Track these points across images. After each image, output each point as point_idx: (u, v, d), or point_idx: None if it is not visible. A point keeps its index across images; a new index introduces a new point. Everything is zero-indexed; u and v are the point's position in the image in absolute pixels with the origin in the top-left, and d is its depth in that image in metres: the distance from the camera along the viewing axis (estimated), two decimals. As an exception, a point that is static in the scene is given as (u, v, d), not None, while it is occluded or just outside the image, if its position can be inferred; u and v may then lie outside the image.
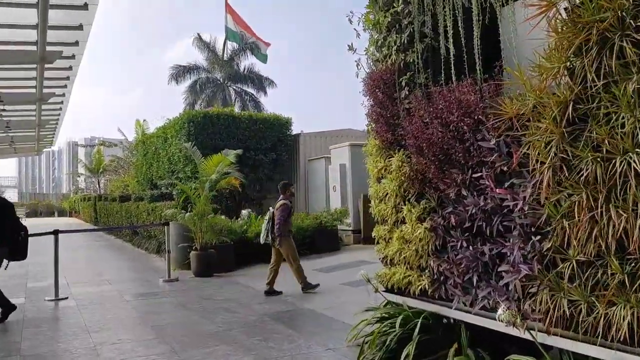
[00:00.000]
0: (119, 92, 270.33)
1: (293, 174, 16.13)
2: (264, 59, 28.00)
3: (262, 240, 7.77)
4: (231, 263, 10.24)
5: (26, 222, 33.23)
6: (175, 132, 14.99)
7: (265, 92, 35.09)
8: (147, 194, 15.03)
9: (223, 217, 10.88)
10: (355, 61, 5.01)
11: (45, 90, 10.31)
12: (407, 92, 4.43)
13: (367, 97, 4.89)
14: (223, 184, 10.26)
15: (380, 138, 4.73)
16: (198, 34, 33.83)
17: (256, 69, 34.65)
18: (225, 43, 31.49)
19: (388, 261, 4.80)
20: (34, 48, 7.64)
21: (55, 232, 7.85)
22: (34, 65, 8.59)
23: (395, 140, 4.59)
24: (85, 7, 6.82)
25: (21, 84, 10.06)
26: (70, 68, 9.42)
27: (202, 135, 13.94)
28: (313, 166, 15.25)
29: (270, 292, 7.61)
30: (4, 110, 12.47)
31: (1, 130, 15.84)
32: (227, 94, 34.14)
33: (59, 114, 14.49)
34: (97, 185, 36.06)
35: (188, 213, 9.87)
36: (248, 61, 34.32)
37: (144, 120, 25.57)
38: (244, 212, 12.29)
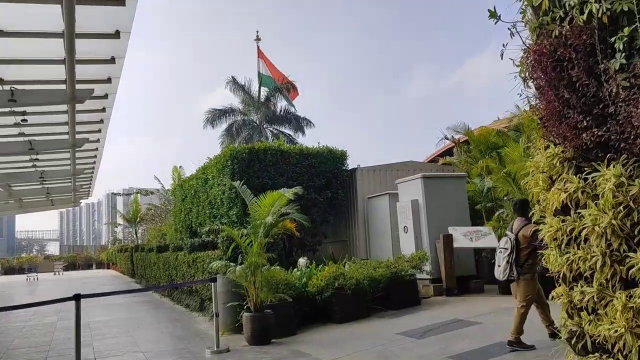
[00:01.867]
0: (159, 140, 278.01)
1: (350, 214, 14.38)
2: (291, 103, 30.61)
3: (501, 276, 6.09)
4: (291, 325, 8.45)
5: (63, 275, 32.45)
6: (217, 172, 13.56)
7: (303, 132, 33.98)
8: (187, 242, 13.53)
9: (278, 268, 9.18)
10: (509, 29, 3.32)
11: (78, 136, 9.68)
12: (623, 61, 2.69)
13: (532, 79, 3.18)
14: (279, 229, 8.60)
15: (568, 142, 2.97)
16: (232, 77, 33.24)
17: (292, 109, 33.70)
18: (260, 87, 31.24)
19: (599, 346, 2.93)
20: (62, 87, 6.87)
21: (77, 298, 6.22)
22: (65, 108, 7.84)
23: (601, 143, 2.82)
24: (117, 35, 5.79)
25: (53, 129, 9.37)
26: (103, 110, 8.74)
27: (248, 174, 12.42)
28: (374, 205, 13.49)
29: (519, 343, 5.96)
30: (37, 159, 11.49)
31: (37, 182, 15.04)
32: (264, 135, 33.16)
33: (94, 161, 13.47)
34: (135, 235, 35.19)
35: (239, 266, 8.19)
36: (284, 102, 33.45)
37: (180, 167, 24.62)
38: (302, 260, 10.56)
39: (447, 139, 13.24)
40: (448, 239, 10.23)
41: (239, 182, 9.07)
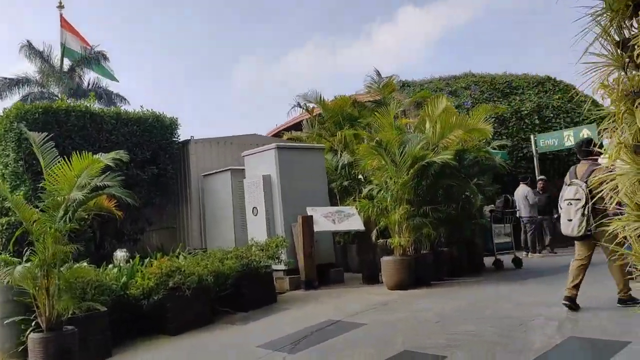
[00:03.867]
0: None
1: (182, 194, 12.10)
2: (110, 76, 26.80)
3: (575, 232, 5.28)
4: (105, 344, 6.13)
5: None
6: (-3, 138, 10.18)
7: (117, 110, 29.87)
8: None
9: (86, 265, 6.69)
10: None
11: None
12: None
13: None
14: (91, 208, 6.08)
15: None
16: (28, 41, 27.77)
17: (104, 83, 29.44)
18: (62, 57, 26.69)
19: None
20: None
21: None
22: None
23: None
24: None
25: None
26: None
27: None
28: (212, 183, 11.43)
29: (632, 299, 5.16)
30: None
31: None
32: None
33: None
34: None
35: (21, 266, 5.56)
36: (92, 75, 29.03)
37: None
38: (120, 254, 8.13)
39: (299, 106, 11.81)
40: (308, 221, 8.68)
41: (38, 134, 6.23)
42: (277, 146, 9.34)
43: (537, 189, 13.28)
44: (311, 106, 11.79)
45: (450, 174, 8.37)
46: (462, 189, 8.56)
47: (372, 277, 8.82)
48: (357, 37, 72.01)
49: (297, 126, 15.18)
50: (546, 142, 14.92)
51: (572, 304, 5.28)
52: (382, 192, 8.34)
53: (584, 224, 5.19)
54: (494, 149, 10.35)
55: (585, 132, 14.00)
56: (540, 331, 4.74)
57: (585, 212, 5.18)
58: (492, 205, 9.92)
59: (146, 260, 7.83)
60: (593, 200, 4.93)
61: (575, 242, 5.49)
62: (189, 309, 6.84)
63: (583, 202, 5.23)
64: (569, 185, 5.49)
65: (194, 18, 69.59)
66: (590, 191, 5.13)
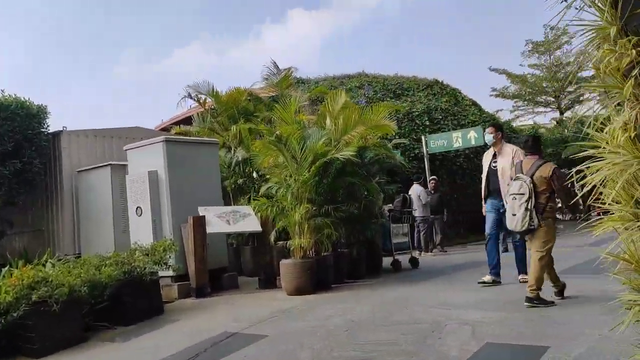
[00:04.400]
0: None
1: (51, 192, 10.69)
2: None
3: (519, 226, 5.37)
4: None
5: None
6: None
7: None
8: None
9: None
10: None
11: None
12: None
13: None
14: None
15: None
16: None
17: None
18: None
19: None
20: None
21: None
22: None
23: None
24: None
25: None
26: None
27: None
28: (88, 180, 10.22)
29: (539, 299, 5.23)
30: None
31: None
32: None
33: None
34: None
35: None
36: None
37: None
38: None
39: (190, 97, 10.89)
40: (200, 222, 7.93)
41: None
42: (166, 139, 8.46)
43: (429, 189, 13.56)
44: (203, 98, 10.97)
45: (352, 171, 8.08)
46: (364, 188, 8.31)
47: (269, 282, 8.28)
48: (246, 37, 71.08)
49: (187, 121, 14.20)
50: (436, 142, 15.36)
51: (562, 294, 5.51)
52: (282, 190, 7.82)
53: (527, 218, 5.29)
54: (394, 147, 10.27)
55: (472, 134, 14.57)
56: (455, 337, 4.50)
57: (529, 207, 5.30)
58: (391, 205, 9.82)
59: (4, 270, 6.66)
60: (565, 192, 5.40)
61: (527, 237, 5.61)
62: (57, 326, 5.85)
63: (527, 196, 5.32)
64: (514, 180, 5.57)
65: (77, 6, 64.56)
66: (535, 186, 5.33)
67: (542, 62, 27.95)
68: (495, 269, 6.80)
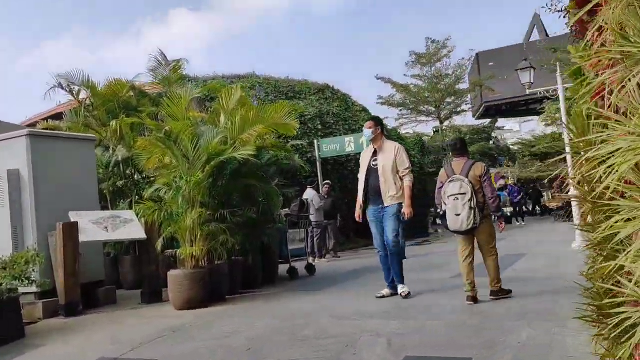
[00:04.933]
0: None
1: None
2: None
3: (464, 226, 5.39)
4: None
5: None
6: None
7: None
8: None
9: None
10: None
11: None
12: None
13: None
14: None
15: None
16: None
17: None
18: None
19: None
20: None
21: None
22: None
23: None
24: None
25: None
26: None
27: None
28: None
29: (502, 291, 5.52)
30: None
31: None
32: None
33: None
34: None
35: None
36: None
37: None
38: None
39: (62, 87, 9.54)
40: (71, 229, 6.88)
41: None
42: (30, 133, 7.28)
43: (323, 193, 13.35)
44: (77, 89, 9.73)
45: (249, 173, 7.52)
46: (262, 190, 7.77)
47: (154, 295, 7.44)
48: (125, 35, 67.20)
49: (57, 118, 12.64)
50: (329, 147, 15.25)
51: (473, 299, 5.43)
52: (171, 193, 7.04)
53: (471, 217, 5.37)
54: (294, 148, 9.82)
55: (364, 139, 14.59)
56: (371, 351, 4.13)
57: (472, 206, 5.38)
58: (287, 209, 9.37)
59: None
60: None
61: (460, 237, 5.63)
62: None
63: (469, 196, 5.40)
64: (451, 181, 5.54)
65: None
66: (473, 186, 5.42)
67: (424, 73, 29.30)
68: (393, 283, 6.36)
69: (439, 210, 5.79)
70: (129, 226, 7.47)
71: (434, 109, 29.18)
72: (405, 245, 11.05)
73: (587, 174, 2.33)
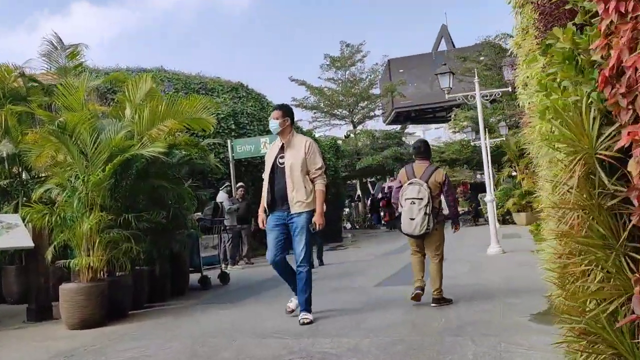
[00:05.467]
0: None
1: None
2: None
3: (417, 230, 5.42)
4: None
5: None
6: None
7: None
8: None
9: None
10: None
11: None
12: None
13: None
14: None
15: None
16: None
17: None
18: None
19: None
20: None
21: None
22: None
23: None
24: None
25: None
26: None
27: None
28: None
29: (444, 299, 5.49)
30: None
31: None
32: None
33: None
34: None
35: None
36: None
37: None
38: None
39: None
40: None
41: None
42: None
43: (236, 196, 12.71)
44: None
45: (159, 173, 6.77)
46: (173, 192, 7.02)
47: (43, 312, 6.48)
48: (19, 27, 62.03)
49: None
50: (243, 147, 14.58)
51: (421, 294, 5.49)
52: (65, 194, 6.14)
53: (425, 222, 5.36)
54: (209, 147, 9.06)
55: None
56: (303, 377, 3.65)
57: (427, 212, 5.37)
58: (199, 213, 8.65)
59: None
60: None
61: (413, 239, 5.62)
62: None
63: (425, 201, 5.38)
64: (410, 184, 5.51)
65: None
66: (430, 191, 5.41)
67: (338, 77, 29.38)
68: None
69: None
70: (13, 232, 6.43)
71: (347, 113, 29.32)
72: (323, 250, 10.74)
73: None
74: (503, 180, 22.62)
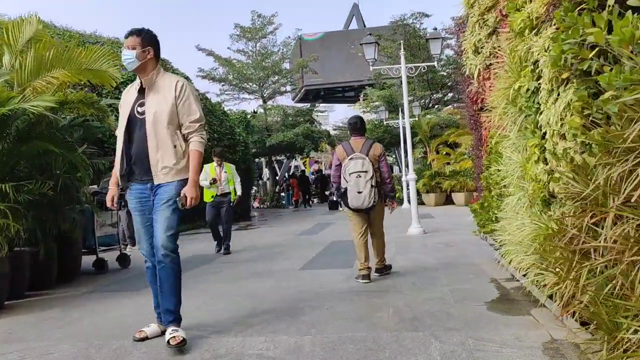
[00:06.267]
0: None
1: None
2: None
3: (365, 203, 5.45)
4: None
5: None
6: None
7: None
8: None
9: None
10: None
11: None
12: None
13: None
14: None
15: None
16: None
17: None
18: None
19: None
20: None
21: None
22: None
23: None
24: None
25: None
26: None
27: None
28: None
29: (386, 267, 5.95)
30: None
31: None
32: None
33: None
34: None
35: None
36: None
37: None
38: None
39: None
40: None
41: None
42: None
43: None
44: None
45: (46, 135, 5.58)
46: (63, 159, 5.83)
47: None
48: None
49: None
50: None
51: (369, 277, 5.54)
52: None
53: (372, 195, 5.40)
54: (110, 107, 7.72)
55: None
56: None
57: (373, 184, 5.41)
58: (96, 186, 7.44)
59: None
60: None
61: (355, 216, 5.62)
62: None
63: (370, 174, 5.41)
64: (350, 159, 5.50)
65: None
66: (372, 164, 5.45)
67: (249, 49, 28.14)
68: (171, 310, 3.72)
69: (333, 190, 5.36)
70: None
71: (257, 87, 28.24)
72: (231, 230, 9.61)
73: None
74: (415, 161, 22.87)
